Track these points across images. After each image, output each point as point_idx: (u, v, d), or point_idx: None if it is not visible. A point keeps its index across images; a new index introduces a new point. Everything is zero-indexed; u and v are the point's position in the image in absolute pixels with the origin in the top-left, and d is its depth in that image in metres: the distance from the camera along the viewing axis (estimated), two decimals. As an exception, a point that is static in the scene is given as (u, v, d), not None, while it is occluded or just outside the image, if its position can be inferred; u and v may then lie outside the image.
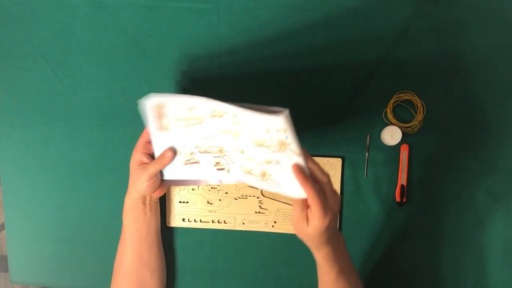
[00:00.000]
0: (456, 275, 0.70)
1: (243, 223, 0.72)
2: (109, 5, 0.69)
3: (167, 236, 0.72)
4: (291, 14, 0.67)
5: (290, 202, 0.70)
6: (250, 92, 0.69)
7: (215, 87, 0.70)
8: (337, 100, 0.69)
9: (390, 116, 0.68)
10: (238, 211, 0.71)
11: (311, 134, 0.70)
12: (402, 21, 0.66)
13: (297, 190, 0.53)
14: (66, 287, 0.78)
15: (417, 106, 0.67)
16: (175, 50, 0.70)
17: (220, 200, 0.72)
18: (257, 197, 0.71)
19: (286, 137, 0.51)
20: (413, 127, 0.68)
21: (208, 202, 0.72)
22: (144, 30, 0.69)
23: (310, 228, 0.53)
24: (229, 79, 0.70)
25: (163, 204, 0.72)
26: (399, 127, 0.67)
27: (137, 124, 0.72)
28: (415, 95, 0.67)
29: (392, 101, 0.67)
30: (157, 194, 0.66)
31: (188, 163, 0.62)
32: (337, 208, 0.54)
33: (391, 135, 0.67)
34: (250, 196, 0.71)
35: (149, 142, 0.62)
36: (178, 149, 0.61)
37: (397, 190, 0.69)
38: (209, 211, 0.72)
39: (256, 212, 0.71)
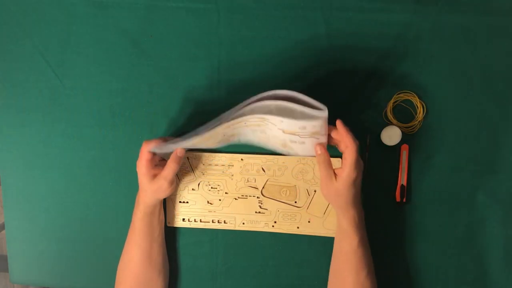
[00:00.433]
0: (456, 275, 0.70)
1: (243, 223, 0.72)
2: (109, 5, 0.69)
3: (167, 236, 0.72)
4: (291, 14, 0.67)
5: (290, 202, 0.70)
6: (250, 92, 0.69)
7: (215, 87, 0.70)
8: (337, 100, 0.69)
9: (390, 116, 0.68)
10: (238, 211, 0.71)
11: (311, 134, 0.70)
12: (402, 21, 0.66)
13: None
14: (66, 287, 0.78)
15: (417, 106, 0.67)
16: (175, 50, 0.70)
17: (220, 200, 0.72)
18: (257, 197, 0.71)
19: (321, 128, 0.58)
20: (413, 127, 0.68)
21: (208, 202, 0.72)
22: (144, 30, 0.69)
23: (339, 182, 0.59)
24: (229, 79, 0.70)
25: (163, 204, 0.72)
26: (399, 127, 0.67)
27: (137, 124, 0.72)
28: (415, 95, 0.67)
29: (392, 101, 0.67)
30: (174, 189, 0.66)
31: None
32: (362, 167, 0.60)
33: (391, 135, 0.67)
34: (250, 196, 0.71)
35: (150, 156, 0.61)
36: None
37: (397, 190, 0.69)
38: (209, 211, 0.72)
39: (256, 212, 0.71)
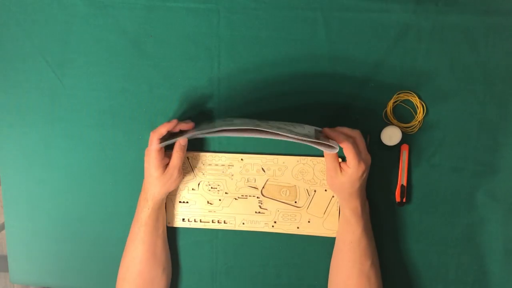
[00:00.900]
0: (456, 275, 0.70)
1: (243, 223, 0.72)
2: (109, 5, 0.69)
3: (167, 236, 0.72)
4: (291, 14, 0.67)
5: (290, 202, 0.70)
6: (250, 92, 0.69)
7: (215, 87, 0.70)
8: (337, 100, 0.69)
9: (390, 116, 0.68)
10: (238, 211, 0.71)
11: (311, 134, 0.70)
12: (402, 21, 0.66)
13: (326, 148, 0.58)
14: (66, 287, 0.78)
15: (417, 106, 0.67)
16: (175, 50, 0.70)
17: (220, 200, 0.72)
18: (257, 197, 0.71)
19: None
20: (413, 127, 0.68)
21: (208, 202, 0.72)
22: (144, 30, 0.69)
23: (344, 176, 0.60)
24: (229, 79, 0.70)
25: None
26: (399, 127, 0.67)
27: (137, 124, 0.72)
28: (415, 95, 0.67)
29: (392, 101, 0.67)
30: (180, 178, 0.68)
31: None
32: (369, 162, 0.61)
33: (391, 135, 0.67)
34: (250, 196, 0.71)
35: (160, 147, 0.62)
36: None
37: (397, 190, 0.69)
38: (209, 211, 0.72)
39: (256, 212, 0.71)
